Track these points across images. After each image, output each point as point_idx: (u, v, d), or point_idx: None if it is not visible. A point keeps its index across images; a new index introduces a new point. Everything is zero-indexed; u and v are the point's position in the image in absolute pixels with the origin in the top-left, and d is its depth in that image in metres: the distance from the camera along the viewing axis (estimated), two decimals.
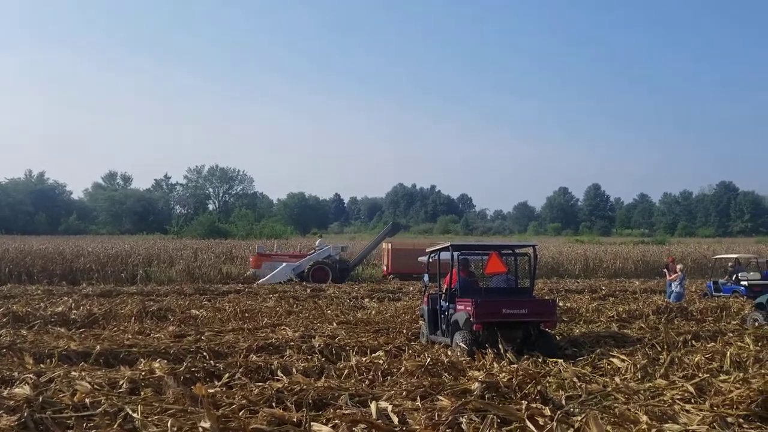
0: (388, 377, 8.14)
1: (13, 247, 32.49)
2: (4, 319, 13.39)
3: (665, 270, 21.47)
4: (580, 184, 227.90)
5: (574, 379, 7.69)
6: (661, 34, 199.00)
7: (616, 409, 5.99)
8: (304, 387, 6.81)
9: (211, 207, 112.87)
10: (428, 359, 8.71)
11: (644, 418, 5.58)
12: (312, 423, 5.51)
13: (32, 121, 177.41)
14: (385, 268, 30.13)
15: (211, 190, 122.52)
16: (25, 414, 5.47)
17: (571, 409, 6.09)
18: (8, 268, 28.25)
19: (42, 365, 8.49)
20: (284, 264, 27.19)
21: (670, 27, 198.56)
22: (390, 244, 30.95)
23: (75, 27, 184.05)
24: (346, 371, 8.37)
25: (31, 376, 7.17)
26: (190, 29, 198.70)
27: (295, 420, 5.62)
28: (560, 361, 8.86)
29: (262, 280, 26.27)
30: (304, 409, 6.05)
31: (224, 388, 7.24)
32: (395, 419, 5.68)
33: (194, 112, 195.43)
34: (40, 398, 5.86)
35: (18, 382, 6.97)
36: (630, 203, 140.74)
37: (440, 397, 6.51)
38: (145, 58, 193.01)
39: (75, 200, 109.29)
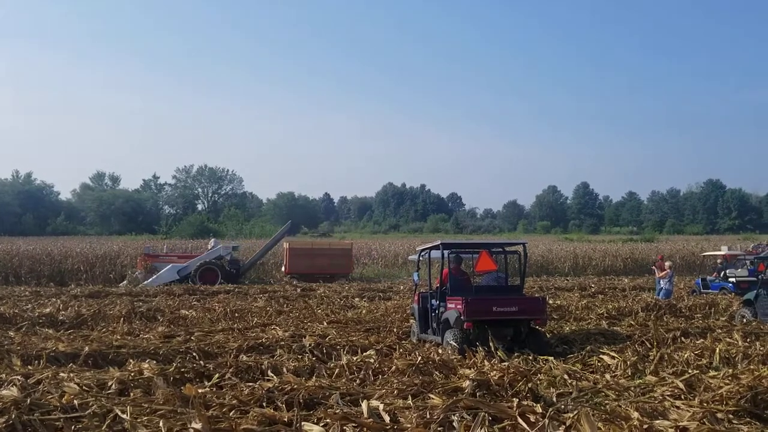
0: (379, 376, 8.13)
1: (0, 248, 32.24)
2: None
3: (654, 267, 21.59)
4: (569, 182, 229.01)
5: (565, 377, 7.70)
6: (647, 33, 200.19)
7: (607, 406, 6.00)
8: (295, 387, 6.78)
9: (200, 207, 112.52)
10: (419, 358, 8.70)
11: (635, 414, 5.58)
12: (303, 422, 5.48)
13: (19, 121, 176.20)
14: (284, 268, 29.77)
15: (200, 190, 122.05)
16: (13, 416, 5.40)
17: (563, 407, 6.09)
18: None
19: (30, 367, 8.41)
20: (170, 265, 26.64)
21: (655, 25, 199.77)
22: (288, 244, 30.59)
23: (62, 28, 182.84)
24: (337, 370, 8.35)
25: (18, 377, 7.07)
26: (177, 31, 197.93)
27: (285, 420, 5.59)
28: (551, 358, 8.88)
29: (146, 282, 25.65)
30: (295, 408, 6.01)
31: (214, 389, 7.20)
32: (386, 418, 5.66)
33: (183, 112, 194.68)
34: (28, 400, 5.78)
35: (5, 384, 6.87)
36: (618, 201, 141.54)
37: (431, 396, 6.51)
38: (133, 58, 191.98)
39: (63, 201, 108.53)
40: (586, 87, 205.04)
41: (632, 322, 13.41)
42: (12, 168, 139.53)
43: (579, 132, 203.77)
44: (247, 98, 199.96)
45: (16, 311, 14.33)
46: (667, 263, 20.15)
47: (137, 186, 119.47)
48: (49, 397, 6.12)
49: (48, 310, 14.80)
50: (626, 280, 28.51)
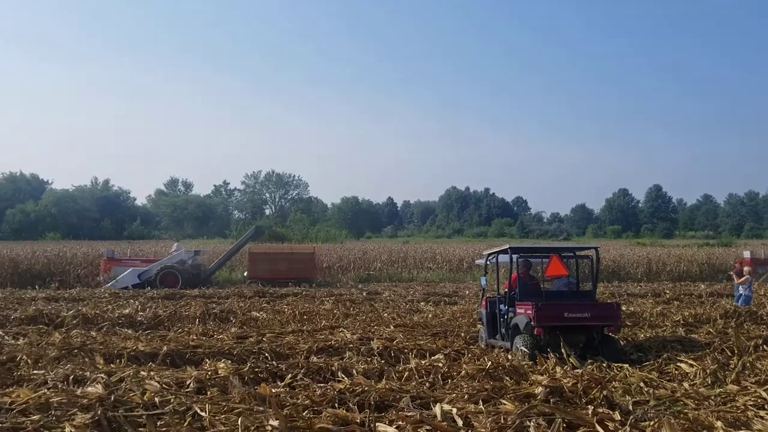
0: (449, 380, 8.09)
1: (81, 252, 33.79)
2: (75, 321, 13.93)
3: (732, 273, 20.73)
4: (639, 185, 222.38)
5: (641, 384, 7.49)
6: (712, 33, 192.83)
7: (689, 415, 5.80)
8: (366, 389, 6.84)
9: (267, 212, 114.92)
10: (489, 363, 8.62)
11: (718, 423, 5.40)
12: (377, 423, 5.52)
13: (99, 129, 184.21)
14: (246, 272, 29.56)
15: (267, 195, 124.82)
16: (99, 412, 5.64)
17: (641, 415, 5.92)
18: (78, 273, 29.52)
19: (112, 365, 8.77)
20: (130, 269, 26.73)
21: (718, 23, 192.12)
22: (248, 248, 30.65)
23: (139, 37, 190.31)
24: (406, 374, 8.36)
25: (102, 375, 7.40)
26: (244, 38, 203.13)
27: (358, 421, 5.64)
28: (625, 365, 8.64)
29: (107, 285, 25.82)
30: (367, 410, 6.07)
31: (287, 389, 7.34)
32: (460, 422, 5.64)
33: (251, 119, 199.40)
34: (112, 397, 6.02)
35: (90, 381, 7.21)
36: (693, 204, 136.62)
37: (503, 401, 6.44)
38: (207, 68, 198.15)
39: (138, 206, 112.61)
40: (652, 91, 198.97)
41: (710, 330, 12.87)
42: (91, 175, 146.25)
43: (649, 134, 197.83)
44: (309, 108, 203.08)
45: (97, 312, 14.97)
46: (746, 269, 19.31)
47: (208, 191, 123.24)
48: (132, 394, 6.37)
49: (127, 311, 15.40)
50: (703, 286, 27.40)
